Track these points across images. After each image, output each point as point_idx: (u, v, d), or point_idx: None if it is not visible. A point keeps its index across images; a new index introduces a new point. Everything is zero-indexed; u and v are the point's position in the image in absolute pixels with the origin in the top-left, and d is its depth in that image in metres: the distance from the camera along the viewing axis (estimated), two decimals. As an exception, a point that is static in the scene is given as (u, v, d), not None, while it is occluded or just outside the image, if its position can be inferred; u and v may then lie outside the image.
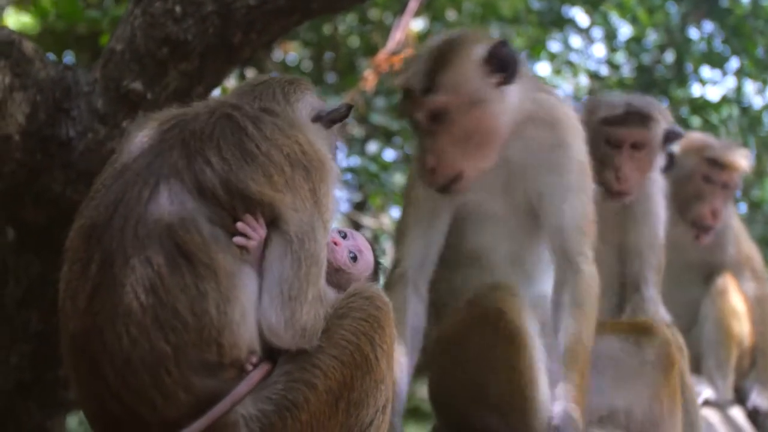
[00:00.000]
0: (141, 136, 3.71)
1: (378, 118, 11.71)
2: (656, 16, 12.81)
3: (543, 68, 13.85)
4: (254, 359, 3.54)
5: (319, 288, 3.62)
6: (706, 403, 6.71)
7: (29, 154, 5.49)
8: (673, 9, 13.30)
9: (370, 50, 12.87)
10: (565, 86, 14.04)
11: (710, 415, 6.66)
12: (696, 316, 6.91)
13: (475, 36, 4.97)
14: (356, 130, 13.36)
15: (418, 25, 13.89)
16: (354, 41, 14.32)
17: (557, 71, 13.82)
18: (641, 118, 5.82)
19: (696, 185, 6.84)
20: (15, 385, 5.85)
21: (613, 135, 5.80)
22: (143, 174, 3.54)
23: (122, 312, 3.40)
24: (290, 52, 14.60)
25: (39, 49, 5.62)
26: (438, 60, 4.82)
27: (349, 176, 12.36)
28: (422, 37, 13.79)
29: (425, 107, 4.79)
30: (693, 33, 13.11)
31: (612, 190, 5.81)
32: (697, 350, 6.80)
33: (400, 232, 5.12)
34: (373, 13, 14.15)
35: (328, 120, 4.07)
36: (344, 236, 4.19)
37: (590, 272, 4.95)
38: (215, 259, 3.45)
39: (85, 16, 7.22)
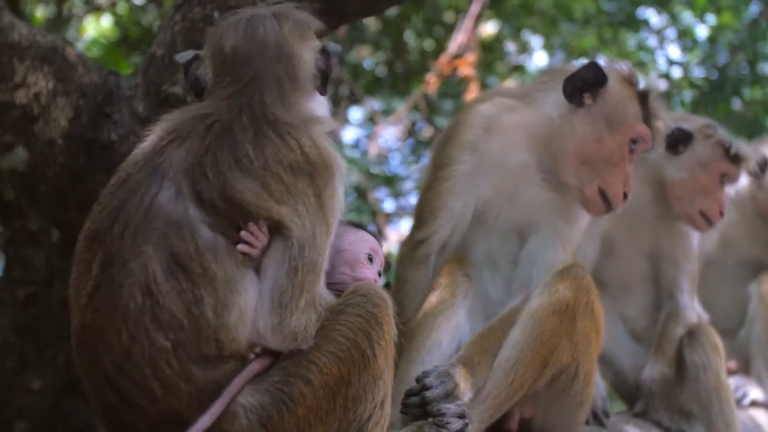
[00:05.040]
0: (144, 146, 3.82)
1: (443, 121, 11.72)
2: (725, 16, 12.62)
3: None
4: (257, 349, 3.62)
5: (314, 294, 3.68)
6: (754, 403, 6.63)
7: (72, 158, 5.65)
8: (753, 9, 13.12)
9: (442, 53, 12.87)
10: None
11: (758, 415, 6.58)
12: (746, 315, 6.83)
13: None
14: (423, 133, 13.39)
15: (489, 28, 13.90)
16: (429, 44, 14.38)
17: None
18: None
19: None
20: (63, 383, 6.01)
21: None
22: (145, 183, 3.65)
23: (120, 310, 3.52)
24: (367, 57, 14.75)
25: (82, 55, 5.78)
26: None
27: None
28: (492, 40, 13.83)
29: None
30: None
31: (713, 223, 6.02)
32: (746, 351, 6.76)
33: (431, 212, 5.12)
34: (449, 16, 14.18)
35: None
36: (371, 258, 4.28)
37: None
38: (210, 268, 3.54)
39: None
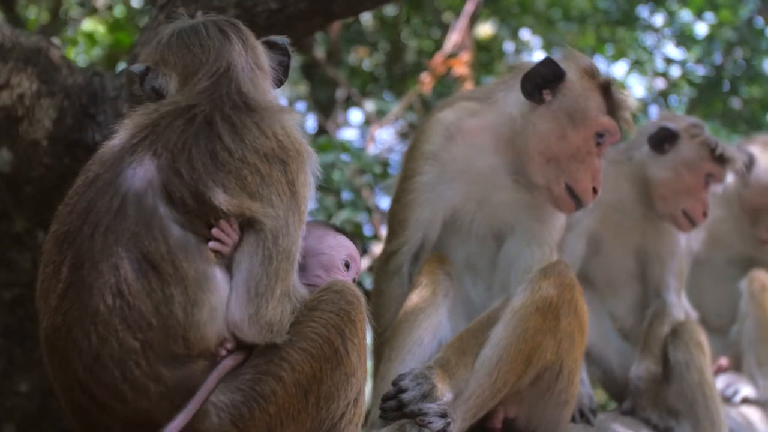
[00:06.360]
0: (113, 144, 3.76)
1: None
2: (723, 14, 12.59)
3: (619, 69, 13.75)
4: (228, 346, 3.60)
5: (289, 283, 3.65)
6: (746, 401, 6.59)
7: (57, 159, 5.64)
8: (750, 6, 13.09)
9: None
10: (637, 87, 13.90)
11: (750, 413, 6.53)
12: (737, 312, 6.80)
13: None
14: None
15: (487, 28, 13.89)
16: (427, 45, 14.38)
17: (631, 68, 13.70)
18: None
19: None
20: (51, 385, 5.97)
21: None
22: (114, 183, 3.61)
23: (90, 312, 3.49)
24: (365, 58, 14.76)
25: (66, 57, 5.77)
26: None
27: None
28: (490, 40, 13.81)
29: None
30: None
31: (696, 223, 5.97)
32: (737, 348, 6.74)
33: (399, 224, 5.14)
34: (448, 17, 14.18)
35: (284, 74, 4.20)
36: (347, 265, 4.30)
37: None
38: (180, 267, 3.51)
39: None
